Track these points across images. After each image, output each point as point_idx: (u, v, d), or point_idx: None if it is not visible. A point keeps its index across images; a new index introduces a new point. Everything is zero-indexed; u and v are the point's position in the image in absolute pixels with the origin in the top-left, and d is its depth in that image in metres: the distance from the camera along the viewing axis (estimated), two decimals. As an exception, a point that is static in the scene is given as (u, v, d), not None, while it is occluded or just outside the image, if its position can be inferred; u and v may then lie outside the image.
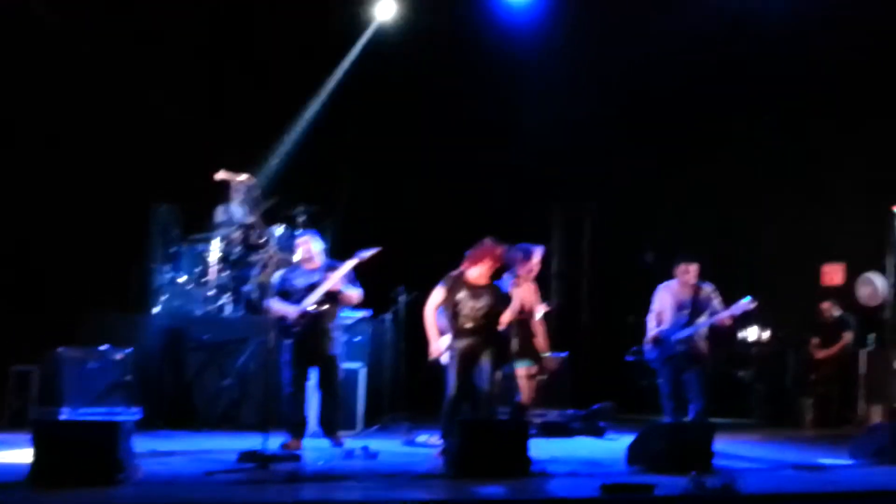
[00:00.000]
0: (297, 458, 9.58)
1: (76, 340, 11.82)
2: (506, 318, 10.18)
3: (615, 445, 10.93)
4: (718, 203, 16.29)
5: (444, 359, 10.12)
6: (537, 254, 11.04)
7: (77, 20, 14.02)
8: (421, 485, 8.55)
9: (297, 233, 12.22)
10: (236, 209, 13.64)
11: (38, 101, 13.87)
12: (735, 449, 10.77)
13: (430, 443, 10.85)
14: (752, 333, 15.73)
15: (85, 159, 14.10)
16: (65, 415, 10.90)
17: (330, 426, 10.64)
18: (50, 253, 13.74)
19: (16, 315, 13.35)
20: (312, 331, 10.39)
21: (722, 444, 9.77)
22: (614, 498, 8.03)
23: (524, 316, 10.61)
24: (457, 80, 15.93)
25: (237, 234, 13.53)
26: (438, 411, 10.20)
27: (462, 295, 10.07)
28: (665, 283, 11.45)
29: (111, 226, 13.86)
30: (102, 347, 11.53)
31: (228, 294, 13.24)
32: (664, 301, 11.41)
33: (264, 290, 12.10)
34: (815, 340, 14.95)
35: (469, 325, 10.03)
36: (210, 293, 13.20)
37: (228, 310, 13.20)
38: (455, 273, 10.19)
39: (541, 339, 10.92)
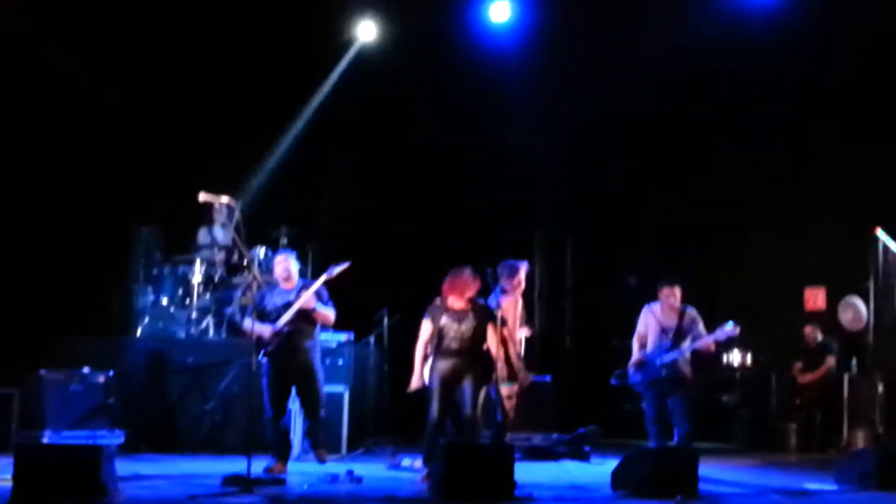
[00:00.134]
0: (281, 482, 9.54)
1: (57, 363, 11.73)
2: (492, 342, 10.13)
3: (600, 470, 10.89)
4: (701, 226, 16.30)
5: (425, 380, 10.09)
6: (522, 269, 11.07)
7: (60, 39, 13.94)
8: (405, 509, 8.53)
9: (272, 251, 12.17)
10: (218, 231, 13.64)
11: (20, 123, 13.80)
12: (719, 474, 10.75)
13: (414, 467, 10.82)
14: (735, 358, 15.73)
15: (67, 180, 14.03)
16: (47, 438, 10.81)
17: (313, 443, 10.65)
18: (31, 274, 13.65)
19: (-4, 337, 13.28)
20: (286, 350, 10.32)
21: (706, 468, 9.75)
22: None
23: (504, 331, 10.54)
24: (439, 103, 15.94)
25: (220, 256, 13.53)
26: (422, 434, 10.18)
27: (445, 320, 10.07)
28: (649, 305, 11.46)
29: (93, 247, 13.79)
30: (84, 370, 11.45)
31: (211, 316, 13.21)
32: (648, 323, 11.41)
33: (247, 312, 12.06)
34: (798, 365, 14.97)
35: (454, 346, 10.02)
36: (193, 315, 13.17)
37: (211, 332, 13.15)
38: (437, 303, 10.18)
39: (515, 358, 10.85)
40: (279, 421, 10.47)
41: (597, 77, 15.59)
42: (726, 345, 14.40)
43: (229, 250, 13.50)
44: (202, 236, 13.78)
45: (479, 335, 10.08)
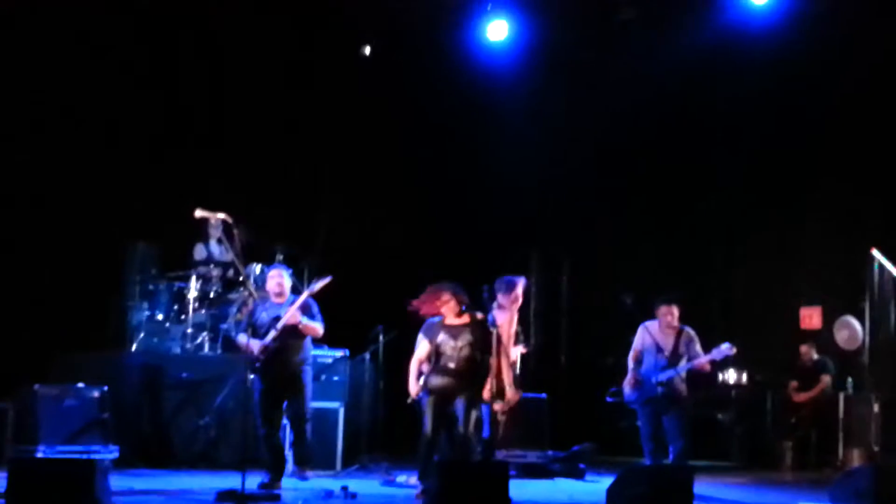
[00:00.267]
0: (276, 497, 9.53)
1: (52, 378, 11.73)
2: (493, 365, 10.12)
3: (595, 487, 10.90)
4: (697, 245, 16.33)
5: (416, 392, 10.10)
6: (520, 285, 11.04)
7: (48, 53, 13.95)
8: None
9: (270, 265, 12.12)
10: (214, 247, 13.65)
11: (13, 137, 13.79)
12: (715, 492, 10.77)
13: (409, 483, 10.79)
14: (731, 376, 15.73)
15: (62, 196, 14.02)
16: (41, 452, 10.79)
17: (297, 458, 10.57)
18: (27, 289, 13.63)
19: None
20: (275, 365, 10.27)
21: (701, 486, 9.76)
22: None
23: (498, 349, 10.51)
24: (436, 121, 15.98)
25: (215, 273, 13.53)
26: (417, 451, 10.18)
27: (442, 337, 10.06)
28: (647, 323, 11.45)
29: (88, 263, 13.77)
30: (79, 385, 11.43)
31: (206, 332, 13.21)
32: (644, 341, 11.40)
33: (241, 326, 12.04)
34: (793, 383, 14.98)
35: (451, 364, 10.01)
36: (188, 331, 13.17)
37: (206, 348, 13.15)
38: (433, 321, 10.17)
39: (507, 375, 10.80)
40: (273, 437, 10.44)
41: (594, 97, 15.63)
42: (722, 363, 14.41)
43: (225, 266, 13.50)
44: (198, 252, 13.78)
45: (475, 351, 10.05)
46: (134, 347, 13.11)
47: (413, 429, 10.39)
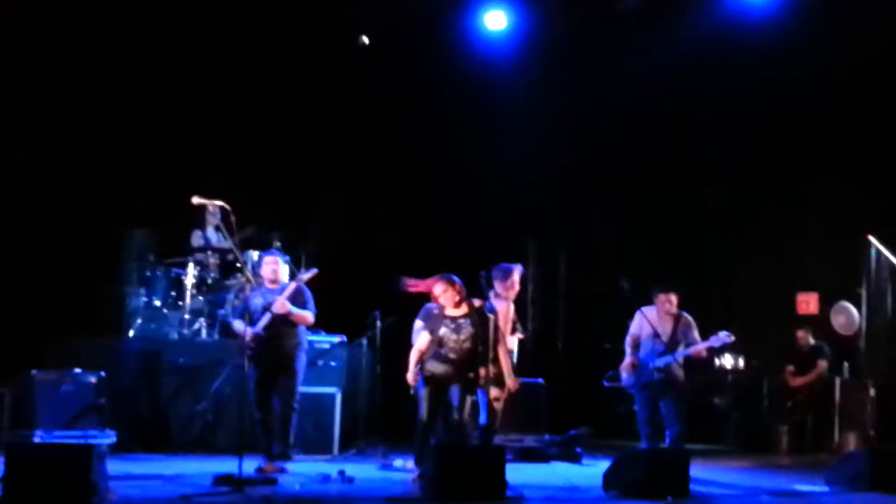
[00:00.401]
0: (273, 482, 9.52)
1: (49, 363, 11.72)
2: (501, 353, 10.15)
3: (591, 471, 10.90)
4: (694, 231, 16.34)
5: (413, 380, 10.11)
6: (516, 272, 11.01)
7: (48, 43, 13.94)
8: (397, 509, 8.55)
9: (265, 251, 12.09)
10: (212, 234, 13.66)
11: (9, 124, 13.78)
12: (711, 475, 10.77)
13: (406, 467, 10.82)
14: (728, 361, 15.76)
15: (60, 182, 14.01)
16: (38, 438, 10.79)
17: (277, 448, 10.41)
18: (24, 276, 13.63)
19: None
20: (267, 352, 10.28)
21: (698, 470, 9.78)
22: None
23: (495, 336, 10.51)
24: (433, 110, 15.95)
25: (213, 259, 13.54)
26: (413, 435, 10.20)
27: (444, 331, 10.08)
28: (644, 308, 11.45)
29: (86, 249, 13.76)
30: (76, 370, 11.44)
31: (203, 318, 13.23)
32: (642, 326, 11.41)
33: (235, 312, 12.06)
34: (790, 368, 14.99)
35: (452, 355, 10.04)
36: (185, 317, 13.19)
37: (204, 334, 13.17)
38: (435, 309, 10.18)
39: (505, 363, 10.82)
40: (269, 421, 10.45)
41: (591, 85, 15.62)
42: (719, 349, 14.43)
43: (222, 253, 13.51)
44: (195, 239, 13.79)
45: (476, 343, 10.07)
46: (131, 333, 13.11)
47: (410, 414, 10.42)
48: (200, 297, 13.34)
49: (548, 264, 17.39)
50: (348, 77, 15.72)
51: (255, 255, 13.25)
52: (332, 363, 12.46)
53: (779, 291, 15.99)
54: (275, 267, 10.70)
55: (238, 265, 12.99)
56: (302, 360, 10.62)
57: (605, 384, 12.05)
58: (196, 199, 12.82)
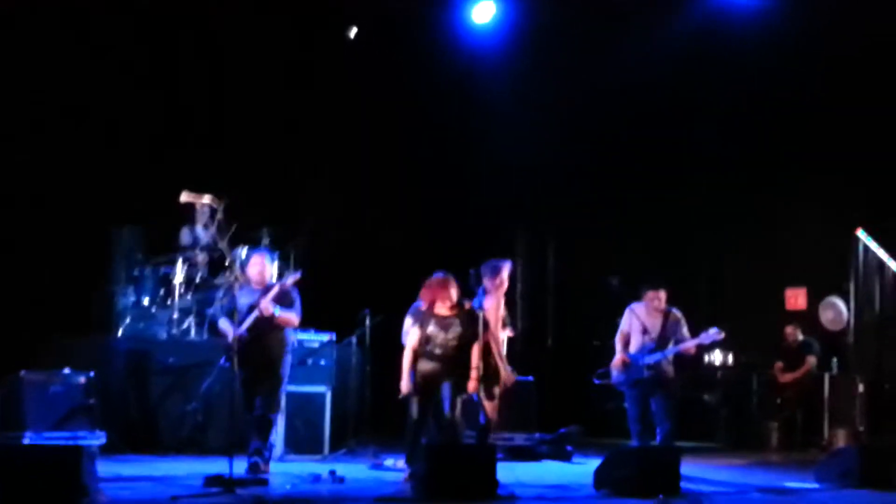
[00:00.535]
0: (263, 482, 9.51)
1: (38, 364, 11.66)
2: (475, 354, 10.12)
3: (582, 469, 10.91)
4: (682, 226, 16.35)
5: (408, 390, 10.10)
6: (505, 269, 11.01)
7: (37, 39, 13.89)
8: (389, 509, 8.54)
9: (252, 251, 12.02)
10: (201, 231, 13.59)
11: (5, 127, 13.74)
12: (701, 472, 10.78)
13: (396, 466, 10.81)
14: (717, 357, 15.79)
15: (47, 181, 13.96)
16: (27, 439, 10.75)
17: (253, 449, 10.18)
18: (12, 275, 13.58)
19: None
20: (253, 352, 10.11)
21: (688, 467, 9.78)
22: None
23: (487, 334, 10.49)
24: (421, 103, 15.94)
25: (201, 257, 13.49)
26: (404, 434, 10.20)
27: (432, 329, 10.11)
28: (634, 305, 11.46)
29: (74, 248, 13.72)
30: (65, 371, 11.40)
31: (192, 317, 13.17)
32: (632, 323, 11.42)
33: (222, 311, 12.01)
34: (779, 364, 15.02)
35: (438, 351, 10.06)
36: (174, 316, 13.13)
37: (193, 333, 13.12)
38: (424, 306, 10.18)
39: (500, 356, 10.81)
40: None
41: (580, 78, 15.62)
42: (709, 345, 14.44)
43: (211, 251, 13.46)
44: (184, 237, 13.73)
45: (464, 342, 10.10)
46: (120, 333, 13.05)
47: (400, 412, 10.41)
48: (189, 296, 13.27)
49: (537, 261, 17.41)
50: (338, 71, 15.69)
51: (243, 252, 13.22)
52: (322, 362, 12.41)
53: (767, 287, 16.02)
54: (261, 268, 10.59)
55: (226, 263, 12.98)
56: (287, 361, 10.52)
57: (596, 381, 12.05)
58: (184, 196, 12.83)
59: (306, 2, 15.40)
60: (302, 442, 11.99)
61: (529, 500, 8.92)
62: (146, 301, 13.29)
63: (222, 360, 10.36)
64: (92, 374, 11.48)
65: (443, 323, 10.11)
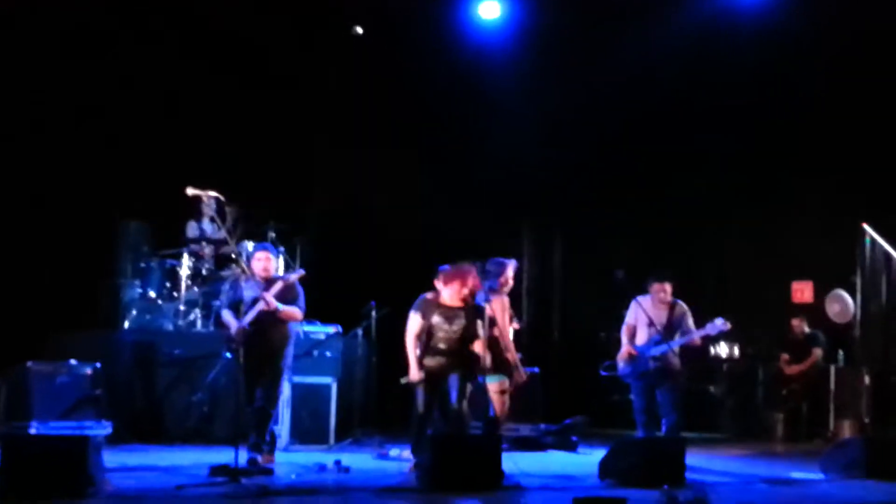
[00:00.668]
0: (269, 472, 9.54)
1: (45, 355, 11.72)
2: (479, 347, 10.13)
3: (587, 460, 10.94)
4: (688, 219, 16.33)
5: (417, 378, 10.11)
6: (510, 267, 11.01)
7: (41, 31, 13.91)
8: (394, 498, 8.56)
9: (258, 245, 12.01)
10: (207, 225, 13.64)
11: (5, 117, 13.75)
12: (706, 463, 10.79)
13: (402, 457, 10.82)
14: (723, 349, 15.78)
15: (54, 174, 13.99)
16: (34, 429, 10.81)
17: (253, 444, 10.15)
18: (19, 268, 13.62)
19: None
20: (255, 344, 10.05)
21: (693, 458, 9.82)
22: (587, 511, 8.04)
23: (495, 331, 10.52)
24: (428, 98, 15.94)
25: (207, 250, 13.54)
26: (409, 425, 10.21)
27: (437, 319, 10.10)
28: (640, 298, 11.47)
29: (81, 241, 13.75)
30: (71, 362, 11.44)
31: (199, 309, 13.22)
32: (638, 316, 11.43)
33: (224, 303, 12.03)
34: (785, 356, 15.01)
35: (442, 346, 10.07)
36: (180, 308, 13.19)
37: (199, 325, 13.17)
38: (429, 296, 10.20)
39: (511, 354, 10.84)
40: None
41: (585, 74, 15.62)
42: (714, 337, 14.44)
43: (217, 244, 13.50)
44: (190, 230, 13.78)
45: (468, 336, 10.12)
46: (126, 325, 13.12)
47: (405, 403, 10.42)
48: (195, 289, 13.33)
49: (543, 253, 17.41)
50: (344, 67, 15.70)
51: (249, 245, 13.24)
52: (328, 353, 12.44)
53: (774, 280, 16.01)
54: (266, 264, 10.55)
55: (233, 256, 13.00)
56: (288, 354, 10.52)
57: (602, 373, 12.07)
58: (191, 190, 12.82)
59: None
60: (308, 432, 12.02)
61: (534, 491, 8.93)
62: (153, 294, 13.36)
63: (225, 353, 10.36)
64: (98, 365, 11.58)
65: (448, 315, 10.10)
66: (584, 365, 14.11)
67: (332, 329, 12.57)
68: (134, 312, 13.23)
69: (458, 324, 10.09)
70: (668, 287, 11.43)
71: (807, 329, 14.99)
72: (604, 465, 9.43)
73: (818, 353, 14.80)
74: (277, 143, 15.60)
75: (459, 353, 10.09)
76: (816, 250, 15.36)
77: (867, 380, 13.89)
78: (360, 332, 13.10)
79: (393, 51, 15.72)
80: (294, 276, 10.44)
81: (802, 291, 16.03)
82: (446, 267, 10.23)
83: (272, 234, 13.41)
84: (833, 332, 14.94)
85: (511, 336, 11.13)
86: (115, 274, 13.50)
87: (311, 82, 15.77)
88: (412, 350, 10.15)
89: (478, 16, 15.79)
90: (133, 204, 13.84)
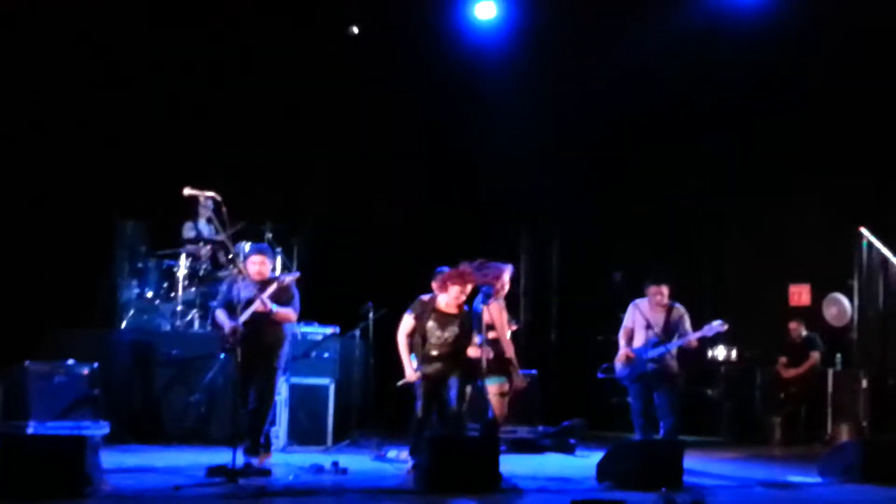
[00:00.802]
0: (266, 472, 9.52)
1: (42, 355, 11.70)
2: (472, 352, 10.11)
3: (585, 462, 10.92)
4: (686, 222, 16.33)
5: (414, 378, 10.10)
6: (506, 272, 10.96)
7: (42, 32, 13.90)
8: (391, 500, 8.55)
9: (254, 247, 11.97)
10: (204, 225, 13.64)
11: (3, 115, 13.74)
12: (704, 466, 10.81)
13: (400, 458, 10.81)
14: (720, 352, 15.78)
15: (51, 174, 13.97)
16: (31, 429, 10.79)
17: (249, 446, 10.09)
18: (16, 267, 13.60)
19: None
20: (249, 344, 10.00)
21: (691, 461, 9.81)
22: (584, 513, 8.04)
23: (494, 335, 10.49)
24: (424, 99, 15.93)
25: (205, 250, 13.53)
26: (407, 426, 10.20)
27: (430, 324, 10.07)
28: (637, 301, 11.47)
29: (78, 241, 13.75)
30: (69, 362, 11.43)
31: (196, 309, 13.22)
32: (635, 318, 11.42)
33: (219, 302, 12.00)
34: (782, 360, 15.01)
35: (435, 352, 10.05)
36: (178, 308, 13.19)
37: (196, 325, 13.17)
38: (425, 298, 10.19)
39: (511, 357, 10.82)
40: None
41: (582, 75, 15.63)
42: (712, 340, 14.44)
43: (214, 244, 13.48)
44: (187, 230, 13.77)
45: (460, 343, 10.08)
46: (124, 325, 13.13)
47: (403, 404, 10.41)
48: (193, 289, 13.33)
49: (540, 256, 17.40)
50: (340, 67, 15.69)
51: (246, 246, 13.22)
52: (326, 355, 12.45)
53: (771, 283, 16.01)
54: (261, 268, 10.50)
55: (230, 256, 12.98)
56: (283, 354, 10.47)
57: (600, 376, 12.06)
58: (188, 191, 12.80)
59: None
60: (305, 433, 12.03)
61: (532, 493, 8.94)
62: (150, 294, 13.37)
63: (219, 353, 10.35)
64: (96, 365, 11.55)
65: (442, 321, 10.06)
66: (582, 367, 14.10)
67: (329, 330, 12.58)
68: (131, 312, 13.25)
69: (451, 331, 10.05)
70: (664, 290, 11.42)
71: (804, 332, 14.99)
72: (601, 467, 9.43)
73: (816, 356, 14.80)
74: (275, 144, 15.60)
75: (454, 357, 10.06)
76: (814, 253, 15.37)
77: (865, 383, 13.89)
78: (357, 333, 13.10)
79: (389, 51, 15.72)
80: (289, 278, 10.43)
81: (800, 295, 16.02)
82: (444, 269, 10.21)
83: (269, 235, 13.40)
84: (830, 336, 14.94)
85: (508, 336, 11.13)
86: (113, 274, 13.50)
87: (309, 83, 15.75)
88: (404, 349, 10.12)
89: (474, 16, 15.80)
90: (131, 204, 13.83)
